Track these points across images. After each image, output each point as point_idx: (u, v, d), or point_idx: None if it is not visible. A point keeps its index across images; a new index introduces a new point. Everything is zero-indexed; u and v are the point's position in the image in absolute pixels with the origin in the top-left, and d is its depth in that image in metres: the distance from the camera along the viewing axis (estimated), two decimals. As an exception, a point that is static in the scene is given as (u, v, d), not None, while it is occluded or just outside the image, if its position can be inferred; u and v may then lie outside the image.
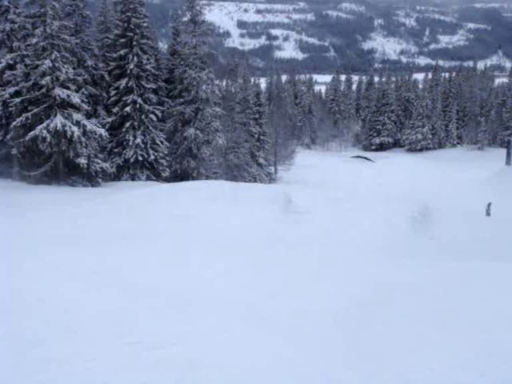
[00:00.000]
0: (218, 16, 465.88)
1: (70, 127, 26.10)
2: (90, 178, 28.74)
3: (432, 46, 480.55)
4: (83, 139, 26.93)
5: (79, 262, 10.48)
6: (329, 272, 11.29)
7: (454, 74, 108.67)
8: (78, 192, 24.57)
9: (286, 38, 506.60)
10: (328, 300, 9.24)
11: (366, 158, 74.91)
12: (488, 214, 27.67)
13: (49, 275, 9.30)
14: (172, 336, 6.97)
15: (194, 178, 36.01)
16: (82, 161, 27.19)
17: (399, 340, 7.28)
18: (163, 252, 12.23)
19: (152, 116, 33.75)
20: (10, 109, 27.15)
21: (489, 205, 28.19)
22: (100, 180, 29.35)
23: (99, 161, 29.32)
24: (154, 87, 34.74)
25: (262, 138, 55.96)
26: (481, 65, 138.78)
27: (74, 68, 29.03)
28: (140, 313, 7.80)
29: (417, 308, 8.57)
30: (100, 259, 10.91)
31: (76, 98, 26.99)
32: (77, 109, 27.36)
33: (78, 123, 26.81)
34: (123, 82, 33.11)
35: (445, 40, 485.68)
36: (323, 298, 9.33)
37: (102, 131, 28.30)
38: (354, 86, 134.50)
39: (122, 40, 33.48)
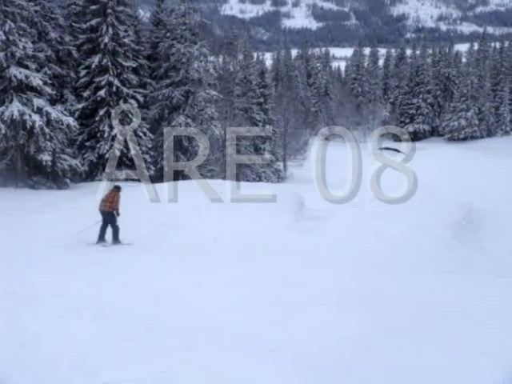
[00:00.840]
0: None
1: (30, 116, 26.08)
2: (55, 178, 28.71)
3: (479, 9, 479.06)
4: (47, 130, 26.91)
5: (40, 282, 10.44)
6: (348, 293, 11.20)
7: (506, 43, 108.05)
8: (41, 195, 24.54)
9: (296, 3, 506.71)
10: (347, 329, 9.15)
11: (396, 150, 74.60)
12: None
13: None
14: (154, 374, 6.88)
15: (184, 178, 35.95)
16: (46, 157, 27.16)
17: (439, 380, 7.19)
18: (146, 268, 12.17)
19: (132, 101, 33.72)
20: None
21: None
22: (68, 181, 29.33)
23: (67, 157, 29.31)
24: (133, 65, 34.74)
25: (267, 127, 55.86)
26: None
27: (33, 42, 29.02)
28: (112, 345, 7.74)
29: (463, 337, 8.48)
30: (65, 278, 10.86)
31: (37, 80, 26.97)
32: (38, 92, 27.33)
33: (39, 110, 26.79)
34: (95, 60, 33.09)
35: (495, 1, 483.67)
36: (341, 327, 9.23)
37: (71, 120, 28.28)
38: (381, 62, 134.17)
39: (94, 7, 33.45)
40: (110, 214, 15.88)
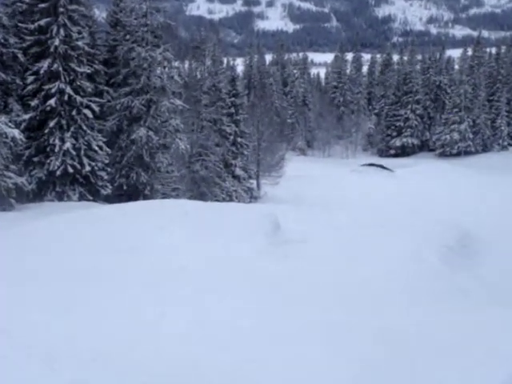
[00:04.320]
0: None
1: (-29, 128, 25.88)
2: (-2, 198, 28.45)
3: (473, 11, 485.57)
4: (-11, 144, 26.70)
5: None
6: (328, 326, 11.23)
7: (503, 48, 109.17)
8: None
9: (270, 3, 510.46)
10: (328, 366, 9.18)
11: (381, 167, 75.15)
12: None
13: None
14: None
15: (146, 197, 35.80)
16: (-12, 175, 26.93)
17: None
18: (96, 301, 12.09)
19: (87, 111, 33.55)
20: None
21: None
22: (13, 201, 29.05)
23: (12, 174, 29.03)
24: (88, 71, 34.57)
25: (239, 140, 56.01)
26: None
27: (-27, 45, 28.87)
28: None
29: (460, 374, 8.53)
30: (6, 313, 10.77)
31: (-21, 88, 26.80)
32: (-20, 102, 27.15)
33: (-19, 122, 26.59)
34: (45, 65, 32.88)
35: (491, 2, 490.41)
36: (321, 364, 9.25)
37: (16, 133, 28.04)
38: (365, 68, 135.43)
39: (43, 5, 33.23)
40: None
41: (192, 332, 10.42)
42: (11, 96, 33.17)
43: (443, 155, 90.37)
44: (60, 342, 9.54)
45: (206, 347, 9.77)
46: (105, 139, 34.95)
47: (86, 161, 33.18)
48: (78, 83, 33.56)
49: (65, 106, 33.03)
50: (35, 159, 33.20)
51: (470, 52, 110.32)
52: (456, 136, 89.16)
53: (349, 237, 19.90)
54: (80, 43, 33.58)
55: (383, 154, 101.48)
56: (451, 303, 14.01)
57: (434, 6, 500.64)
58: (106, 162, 34.56)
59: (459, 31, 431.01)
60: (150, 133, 36.23)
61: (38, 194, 32.84)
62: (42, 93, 32.98)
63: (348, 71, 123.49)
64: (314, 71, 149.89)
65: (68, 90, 32.85)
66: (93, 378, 8.17)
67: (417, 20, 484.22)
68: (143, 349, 9.53)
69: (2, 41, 32.52)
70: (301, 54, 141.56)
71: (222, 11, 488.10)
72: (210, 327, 10.79)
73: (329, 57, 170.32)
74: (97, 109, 34.27)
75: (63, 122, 32.89)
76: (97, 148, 33.92)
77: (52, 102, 32.50)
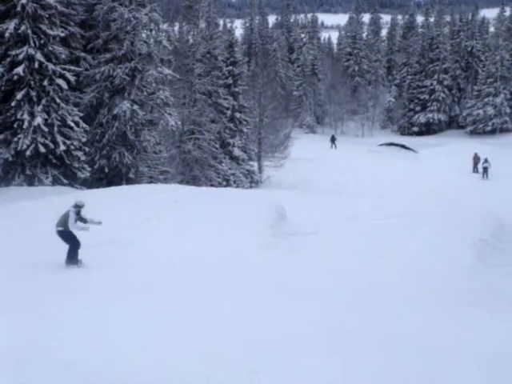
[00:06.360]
0: None
1: None
2: (-42, 182, 28.43)
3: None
4: None
5: None
6: (343, 335, 11.17)
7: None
8: None
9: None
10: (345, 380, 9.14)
11: (403, 147, 75.17)
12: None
13: None
14: None
15: (130, 181, 35.73)
16: None
17: None
18: (73, 304, 12.05)
19: (60, 81, 33.37)
20: None
21: None
22: (-25, 186, 29.06)
23: (-28, 154, 29.03)
24: (62, 35, 34.38)
25: (238, 116, 55.86)
26: None
27: None
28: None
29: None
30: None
31: None
32: None
33: None
34: (10, 26, 32.68)
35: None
36: (336, 379, 9.21)
37: (-23, 106, 28.02)
38: (385, 32, 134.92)
39: (8, -43, 33.15)
40: None
41: (183, 340, 10.34)
42: (-29, 64, 32.97)
43: (475, 133, 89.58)
44: (30, 352, 9.50)
45: (199, 357, 9.68)
46: (82, 114, 34.74)
47: (59, 139, 32.96)
48: (50, 48, 33.32)
49: (35, 74, 32.82)
50: (0, 137, 33.06)
51: (508, 12, 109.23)
52: (490, 111, 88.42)
53: (365, 228, 19.86)
54: (52, 1, 33.33)
55: (405, 131, 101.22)
56: (487, 306, 13.94)
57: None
58: (84, 140, 34.31)
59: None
60: (135, 107, 36.06)
61: (3, 178, 32.71)
62: (8, 59, 32.73)
63: (364, 35, 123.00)
64: (324, 35, 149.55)
65: (38, 56, 32.62)
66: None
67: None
68: (123, 366, 9.44)
69: (-40, -2, 32.32)
70: (309, 16, 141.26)
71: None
72: (204, 333, 10.72)
73: (342, 18, 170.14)
74: (72, 78, 34.03)
75: (33, 93, 32.69)
76: (72, 124, 33.69)
77: (19, 69, 32.26)
